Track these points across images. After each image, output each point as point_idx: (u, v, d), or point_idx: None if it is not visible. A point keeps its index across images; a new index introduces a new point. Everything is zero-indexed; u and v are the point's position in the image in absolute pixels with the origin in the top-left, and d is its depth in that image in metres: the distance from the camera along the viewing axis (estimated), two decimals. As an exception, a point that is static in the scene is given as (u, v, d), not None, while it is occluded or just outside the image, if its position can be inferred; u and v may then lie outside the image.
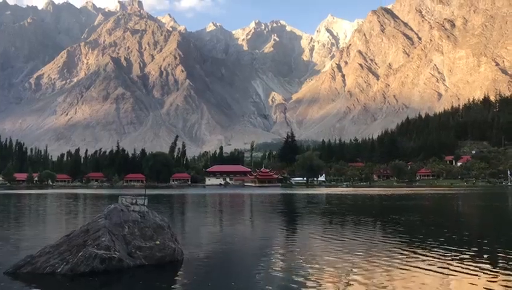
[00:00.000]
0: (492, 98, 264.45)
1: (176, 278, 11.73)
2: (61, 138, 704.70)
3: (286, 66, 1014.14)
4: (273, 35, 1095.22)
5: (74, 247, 11.88)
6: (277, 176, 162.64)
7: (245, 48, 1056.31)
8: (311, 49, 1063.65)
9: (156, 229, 13.33)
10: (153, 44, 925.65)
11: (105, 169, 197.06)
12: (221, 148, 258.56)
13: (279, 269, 12.64)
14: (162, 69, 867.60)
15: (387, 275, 11.64)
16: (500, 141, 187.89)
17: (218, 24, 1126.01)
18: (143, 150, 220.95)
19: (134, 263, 12.06)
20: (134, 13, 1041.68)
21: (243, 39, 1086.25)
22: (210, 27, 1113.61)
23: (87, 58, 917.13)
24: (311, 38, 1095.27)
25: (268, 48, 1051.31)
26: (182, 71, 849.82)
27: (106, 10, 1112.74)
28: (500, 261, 13.50)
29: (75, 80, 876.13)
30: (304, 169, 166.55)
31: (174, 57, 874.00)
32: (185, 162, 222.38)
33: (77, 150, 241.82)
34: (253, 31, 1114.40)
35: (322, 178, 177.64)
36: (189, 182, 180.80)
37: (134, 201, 13.97)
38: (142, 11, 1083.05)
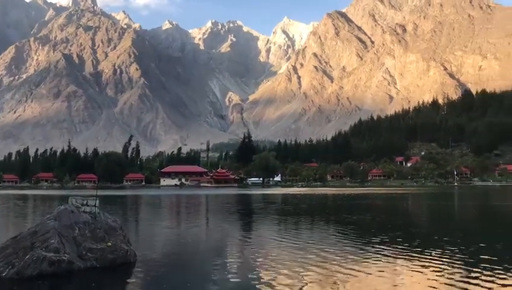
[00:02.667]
0: (440, 101, 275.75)
1: (128, 280, 11.47)
2: (9, 137, 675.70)
3: (243, 66, 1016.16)
4: (230, 36, 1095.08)
5: (21, 250, 11.38)
6: (233, 177, 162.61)
7: (201, 47, 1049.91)
8: (268, 51, 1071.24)
9: (107, 230, 12.99)
10: (106, 41, 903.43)
11: (56, 169, 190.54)
12: (179, 149, 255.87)
13: (236, 269, 12.63)
14: (116, 66, 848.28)
15: (341, 273, 11.86)
16: (447, 143, 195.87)
17: (174, 22, 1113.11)
18: (95, 150, 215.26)
19: (85, 265, 11.70)
20: (87, 9, 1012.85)
21: (200, 38, 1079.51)
22: (166, 25, 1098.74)
23: (37, 54, 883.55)
24: (268, 39, 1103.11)
25: (225, 48, 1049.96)
26: (137, 69, 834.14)
27: (58, 5, 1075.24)
28: (445, 258, 14.04)
29: (24, 76, 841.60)
30: (260, 169, 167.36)
31: (129, 55, 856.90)
32: (139, 162, 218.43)
33: (26, 149, 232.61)
34: (209, 30, 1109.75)
35: (277, 178, 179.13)
36: (144, 183, 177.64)
37: (85, 202, 13.56)
38: (95, 7, 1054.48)
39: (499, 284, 10.60)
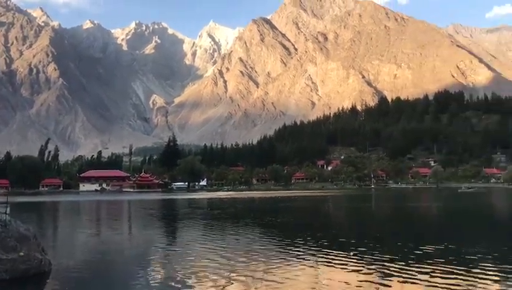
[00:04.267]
0: (359, 107, 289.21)
1: (42, 292, 10.81)
2: None
3: (168, 69, 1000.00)
4: (154, 37, 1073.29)
5: None
6: (158, 181, 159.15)
7: (124, 48, 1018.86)
8: (194, 54, 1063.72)
9: (19, 239, 12.15)
10: (21, 39, 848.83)
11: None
12: (99, 152, 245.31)
13: (159, 276, 12.32)
14: (32, 66, 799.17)
15: (265, 274, 11.98)
16: (365, 147, 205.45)
17: (95, 22, 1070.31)
18: (8, 153, 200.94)
19: (-8, 278, 10.86)
20: (0, 4, 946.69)
21: (123, 39, 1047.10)
22: (87, 24, 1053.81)
23: None
24: (194, 42, 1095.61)
25: (149, 49, 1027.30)
26: (55, 69, 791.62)
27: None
28: (366, 256, 14.70)
29: None
30: (185, 174, 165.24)
31: (46, 54, 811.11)
32: (56, 166, 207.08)
33: None
34: (133, 31, 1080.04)
35: (203, 183, 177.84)
36: (62, 188, 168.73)
37: (-6, 210, 12.61)
38: (9, 2, 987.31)
39: (408, 279, 11.27)
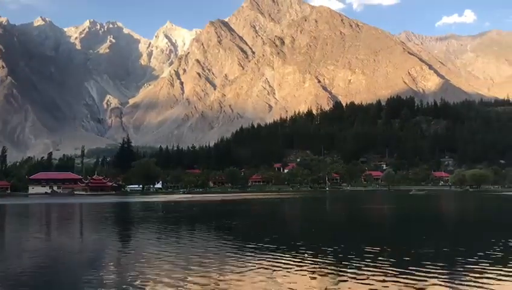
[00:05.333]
0: (314, 111, 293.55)
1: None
2: None
3: (123, 69, 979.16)
4: (109, 37, 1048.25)
5: None
6: (111, 184, 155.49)
7: (78, 47, 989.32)
8: (150, 54, 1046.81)
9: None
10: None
11: None
12: (50, 153, 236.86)
13: (111, 280, 12.08)
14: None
15: (221, 277, 12.02)
16: (320, 151, 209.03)
17: (47, 19, 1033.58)
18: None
19: None
20: None
21: (76, 38, 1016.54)
22: (38, 22, 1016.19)
23: None
24: (150, 43, 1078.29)
25: (104, 49, 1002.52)
26: (3, 67, 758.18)
27: None
28: (320, 257, 15.01)
29: None
30: (140, 176, 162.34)
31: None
32: (4, 168, 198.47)
33: None
34: (87, 30, 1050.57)
35: (159, 185, 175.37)
36: (9, 191, 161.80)
37: None
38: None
39: (361, 280, 11.64)
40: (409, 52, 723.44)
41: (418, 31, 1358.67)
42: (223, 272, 12.60)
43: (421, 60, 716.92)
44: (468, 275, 12.00)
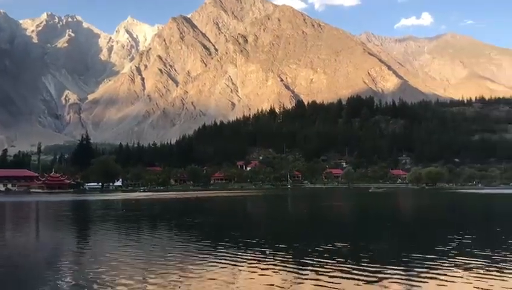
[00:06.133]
0: (277, 110, 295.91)
1: None
2: None
3: (82, 64, 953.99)
4: (68, 31, 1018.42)
5: None
6: (69, 182, 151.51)
7: (35, 40, 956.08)
8: (110, 49, 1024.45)
9: None
10: None
11: None
12: (4, 150, 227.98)
13: (67, 281, 11.76)
14: None
15: (181, 276, 11.91)
16: (282, 148, 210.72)
17: (1, 10, 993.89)
18: None
19: None
20: None
21: (33, 31, 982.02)
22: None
23: None
24: (110, 38, 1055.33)
25: (62, 43, 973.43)
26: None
27: None
28: (281, 255, 15.14)
29: None
30: (99, 174, 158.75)
31: None
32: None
33: None
34: (44, 23, 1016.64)
35: (118, 183, 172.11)
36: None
37: None
38: None
39: (322, 276, 11.83)
40: (369, 53, 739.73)
41: (377, 32, 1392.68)
42: (183, 272, 12.50)
43: (380, 60, 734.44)
44: (423, 269, 12.38)
